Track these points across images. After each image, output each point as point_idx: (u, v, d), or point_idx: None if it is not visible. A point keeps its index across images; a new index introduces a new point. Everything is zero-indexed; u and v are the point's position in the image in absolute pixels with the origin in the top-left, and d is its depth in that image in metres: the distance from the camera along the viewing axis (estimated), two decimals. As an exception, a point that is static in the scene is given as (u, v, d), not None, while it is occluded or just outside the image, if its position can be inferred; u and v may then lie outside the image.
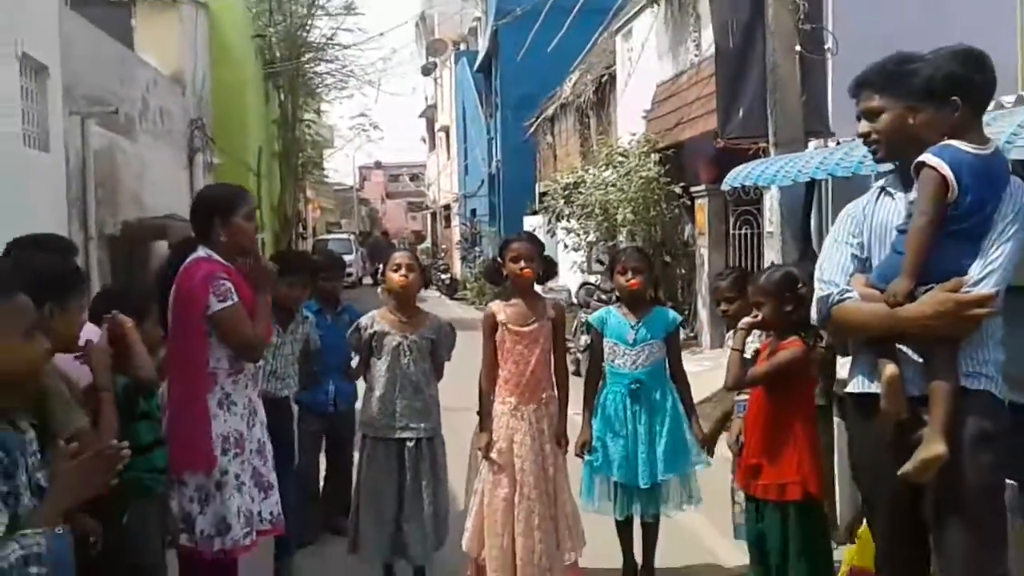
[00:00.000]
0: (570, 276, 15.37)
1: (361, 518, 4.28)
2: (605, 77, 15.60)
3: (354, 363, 4.60)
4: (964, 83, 2.57)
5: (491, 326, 4.27)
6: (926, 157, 2.54)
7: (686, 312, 11.72)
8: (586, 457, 4.35)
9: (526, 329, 4.21)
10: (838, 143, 6.85)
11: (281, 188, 19.08)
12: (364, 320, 4.42)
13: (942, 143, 2.57)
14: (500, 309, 4.28)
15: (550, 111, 19.58)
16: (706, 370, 8.01)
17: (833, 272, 2.78)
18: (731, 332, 4.36)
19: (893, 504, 2.75)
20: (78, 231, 9.06)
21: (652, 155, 11.96)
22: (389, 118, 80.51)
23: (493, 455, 4.17)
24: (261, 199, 16.68)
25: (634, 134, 12.74)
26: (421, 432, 4.29)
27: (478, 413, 4.30)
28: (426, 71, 34.62)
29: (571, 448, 4.34)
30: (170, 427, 3.36)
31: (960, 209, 2.53)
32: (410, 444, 4.28)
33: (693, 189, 11.64)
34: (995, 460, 2.58)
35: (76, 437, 2.46)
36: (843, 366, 3.51)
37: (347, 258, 30.37)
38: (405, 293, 4.35)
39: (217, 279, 3.35)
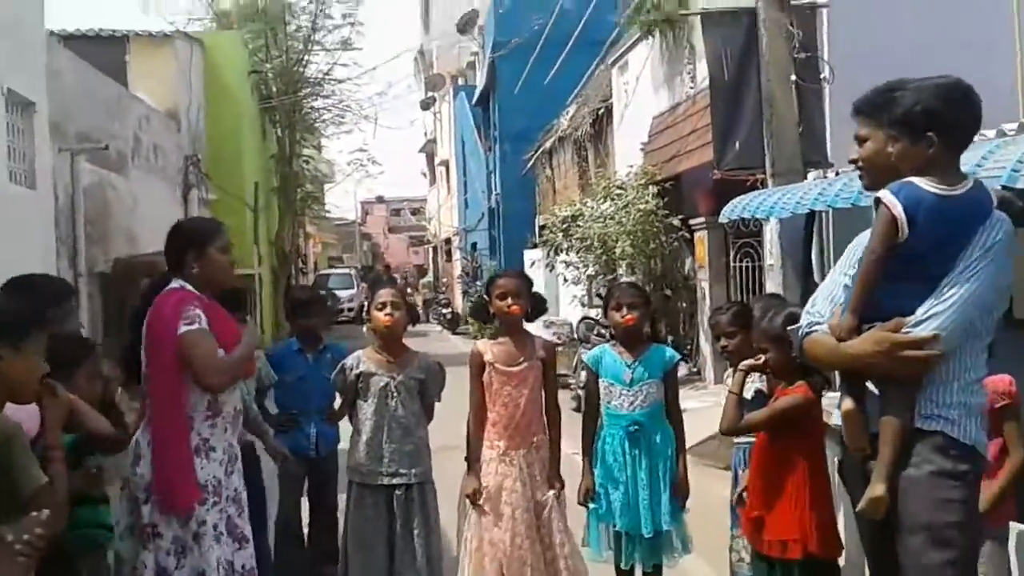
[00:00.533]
0: (570, 310, 15.21)
1: (350, 569, 4.10)
2: (602, 110, 15.54)
3: (336, 404, 4.43)
4: (942, 119, 2.48)
5: (478, 366, 4.10)
6: (883, 194, 2.49)
7: (688, 347, 11.52)
8: (590, 505, 4.14)
9: (515, 369, 4.04)
10: (837, 173, 6.72)
11: (279, 223, 18.97)
12: (349, 360, 4.25)
13: (904, 180, 2.50)
14: (487, 349, 4.12)
15: (548, 144, 19.52)
16: (709, 407, 7.77)
17: (822, 303, 2.72)
18: (730, 371, 4.18)
19: (871, 542, 2.67)
20: (67, 269, 8.93)
21: (650, 187, 11.82)
22: (389, 153, 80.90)
23: (482, 502, 3.99)
24: (258, 235, 16.58)
25: (631, 166, 12.62)
26: (411, 477, 4.11)
27: (466, 459, 4.13)
28: (425, 106, 34.76)
29: (568, 491, 4.14)
30: (153, 471, 3.22)
31: (912, 250, 2.45)
32: (399, 492, 4.09)
33: (692, 221, 11.49)
34: (948, 500, 2.44)
35: (37, 495, 2.32)
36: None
37: (348, 293, 30.51)
38: (391, 332, 4.18)
39: (188, 305, 3.26)
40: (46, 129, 8.42)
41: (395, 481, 4.09)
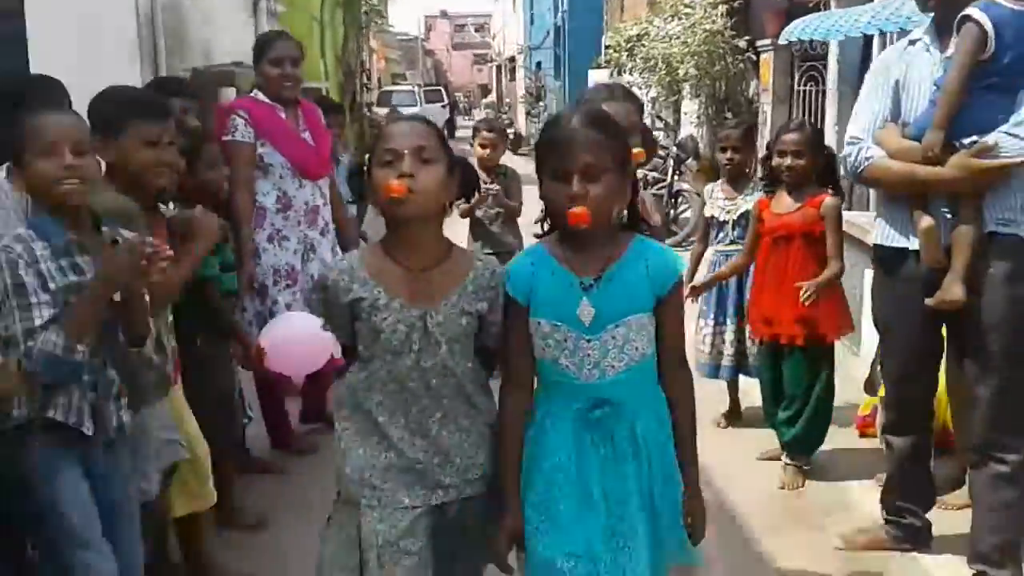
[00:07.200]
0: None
1: None
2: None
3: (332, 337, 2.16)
4: None
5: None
6: (971, 10, 2.66)
7: (747, 172, 11.62)
8: (523, 552, 2.03)
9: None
10: None
11: (344, 37, 18.96)
12: (332, 273, 2.02)
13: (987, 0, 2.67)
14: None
15: (619, -43, 18.84)
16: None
17: (863, 126, 2.95)
18: (718, 185, 4.59)
19: (910, 336, 3.03)
20: (150, 76, 9.34)
21: (719, 7, 11.65)
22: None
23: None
24: (324, 48, 16.68)
25: (701, -17, 12.35)
26: (464, 488, 2.05)
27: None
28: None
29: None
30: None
31: (997, 64, 2.65)
32: (451, 515, 2.05)
33: (759, 43, 11.35)
34: None
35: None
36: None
37: (411, 111, 30.25)
38: (410, 213, 1.94)
39: (232, 114, 3.94)
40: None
41: (436, 499, 2.01)
